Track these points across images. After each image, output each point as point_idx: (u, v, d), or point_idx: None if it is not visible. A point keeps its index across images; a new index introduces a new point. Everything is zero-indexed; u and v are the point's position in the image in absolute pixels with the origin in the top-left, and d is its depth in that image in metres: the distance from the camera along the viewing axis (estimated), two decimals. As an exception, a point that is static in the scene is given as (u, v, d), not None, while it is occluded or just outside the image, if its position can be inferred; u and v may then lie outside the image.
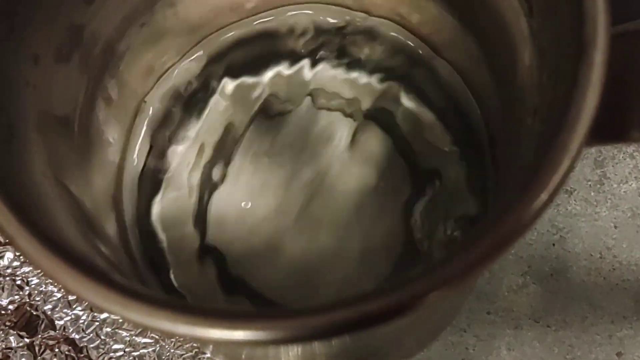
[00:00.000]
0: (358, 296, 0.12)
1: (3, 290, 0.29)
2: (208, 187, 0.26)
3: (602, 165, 0.31)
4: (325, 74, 0.27)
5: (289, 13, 0.26)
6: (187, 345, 0.29)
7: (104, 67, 0.21)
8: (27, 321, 0.29)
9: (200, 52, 0.25)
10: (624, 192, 0.31)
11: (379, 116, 0.26)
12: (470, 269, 0.12)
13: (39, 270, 0.14)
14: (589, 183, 0.31)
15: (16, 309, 0.29)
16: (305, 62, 0.27)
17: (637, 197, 0.31)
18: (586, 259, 0.30)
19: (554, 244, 0.30)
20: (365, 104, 0.27)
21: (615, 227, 0.30)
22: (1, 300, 0.29)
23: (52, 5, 0.17)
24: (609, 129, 0.13)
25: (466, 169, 0.24)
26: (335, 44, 0.27)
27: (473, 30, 0.21)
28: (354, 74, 0.27)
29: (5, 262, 0.29)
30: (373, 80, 0.27)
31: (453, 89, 0.25)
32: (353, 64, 0.27)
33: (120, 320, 0.29)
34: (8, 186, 0.13)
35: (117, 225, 0.23)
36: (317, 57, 0.27)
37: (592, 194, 0.31)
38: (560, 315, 0.29)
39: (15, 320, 0.28)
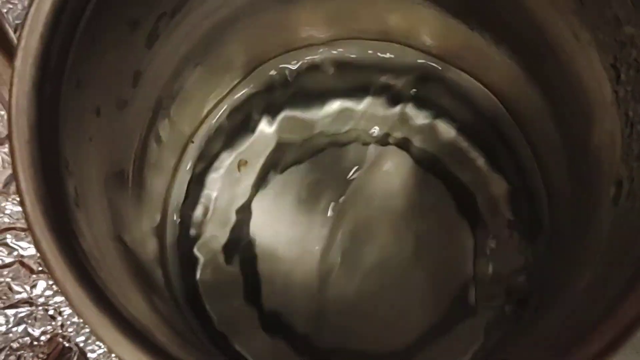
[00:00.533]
0: None
1: (36, 320, 0.28)
2: (244, 217, 0.26)
3: None
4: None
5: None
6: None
7: (158, 109, 0.20)
8: (60, 353, 0.28)
9: (249, 87, 0.25)
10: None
11: (426, 156, 0.26)
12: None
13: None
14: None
15: (48, 340, 0.28)
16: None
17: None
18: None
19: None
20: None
21: None
22: (34, 331, 0.28)
23: (115, 55, 0.16)
24: None
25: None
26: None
27: (543, 88, 0.20)
28: (418, 115, 0.26)
29: (38, 291, 0.29)
30: (441, 126, 0.26)
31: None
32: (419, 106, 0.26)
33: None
34: (76, 255, 0.13)
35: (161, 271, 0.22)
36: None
37: None
38: None
39: (47, 353, 0.28)
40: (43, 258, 0.12)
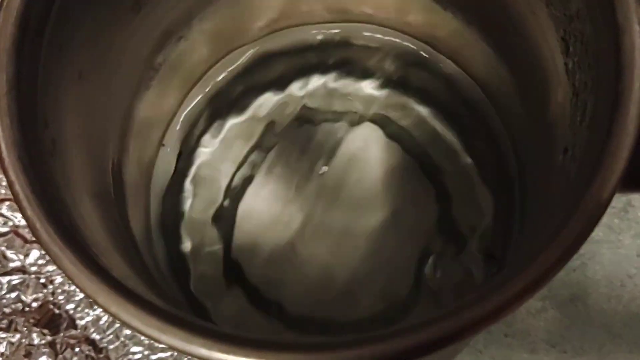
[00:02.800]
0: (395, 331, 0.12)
1: (28, 287, 0.29)
2: (234, 191, 0.27)
3: (627, 193, 0.31)
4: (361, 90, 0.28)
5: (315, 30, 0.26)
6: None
7: (141, 80, 0.21)
8: (50, 319, 0.29)
9: (232, 65, 0.26)
10: (649, 221, 0.31)
11: (403, 136, 0.27)
12: (501, 311, 0.12)
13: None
14: (614, 210, 0.31)
15: (40, 306, 0.29)
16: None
17: (661, 227, 0.31)
18: (606, 286, 0.30)
19: (574, 270, 0.30)
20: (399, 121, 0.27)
21: (638, 255, 0.30)
22: (26, 298, 0.29)
23: (99, 20, 0.17)
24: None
25: (493, 199, 0.25)
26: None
27: (507, 61, 0.21)
28: (382, 91, 0.28)
29: (31, 259, 0.30)
30: (404, 100, 0.27)
31: (485, 116, 0.25)
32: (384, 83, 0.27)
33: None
34: (52, 204, 0.14)
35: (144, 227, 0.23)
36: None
37: (616, 221, 0.31)
38: (577, 342, 0.29)
39: (38, 318, 0.29)
40: (16, 199, 0.13)
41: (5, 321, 0.29)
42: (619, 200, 0.31)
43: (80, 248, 0.13)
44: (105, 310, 0.13)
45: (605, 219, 0.30)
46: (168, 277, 0.25)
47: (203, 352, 0.12)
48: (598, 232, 0.31)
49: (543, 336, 0.29)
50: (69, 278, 0.13)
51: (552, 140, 0.17)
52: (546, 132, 0.18)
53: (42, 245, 0.13)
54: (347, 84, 0.28)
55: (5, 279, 0.29)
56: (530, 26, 0.18)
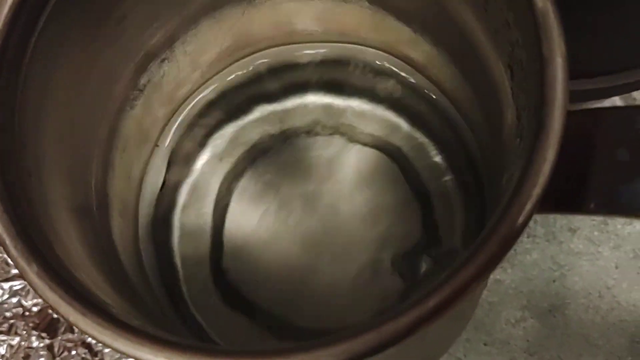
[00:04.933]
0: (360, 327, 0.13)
1: (28, 293, 0.31)
2: (222, 201, 0.28)
3: (607, 206, 0.32)
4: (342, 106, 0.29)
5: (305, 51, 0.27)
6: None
7: (125, 102, 0.22)
8: (49, 323, 0.31)
9: (216, 85, 0.27)
10: (628, 233, 0.31)
11: (387, 146, 0.28)
12: (426, 319, 0.13)
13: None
14: (594, 222, 0.32)
15: (39, 311, 0.31)
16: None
17: (640, 239, 0.31)
18: (585, 297, 0.31)
19: (554, 281, 0.31)
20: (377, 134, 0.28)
21: (617, 267, 0.31)
22: (26, 302, 0.31)
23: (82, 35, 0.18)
24: (568, 201, 0.14)
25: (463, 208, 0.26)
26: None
27: (471, 82, 0.22)
28: (367, 106, 0.29)
29: (32, 266, 0.31)
30: (386, 114, 0.28)
31: (462, 134, 0.26)
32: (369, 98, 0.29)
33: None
34: (23, 220, 0.15)
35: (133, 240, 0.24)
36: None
37: (596, 233, 0.31)
38: (555, 351, 0.30)
39: (37, 322, 0.30)
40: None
41: (6, 325, 0.30)
42: (599, 213, 0.32)
43: (49, 265, 0.14)
44: (65, 320, 0.14)
45: (585, 232, 0.31)
46: (156, 287, 0.26)
47: (149, 357, 0.13)
48: (578, 245, 0.31)
49: (522, 345, 0.30)
50: (34, 290, 0.14)
51: (503, 164, 0.18)
52: (500, 156, 0.19)
53: (10, 258, 0.14)
54: (333, 101, 0.29)
55: (7, 285, 0.31)
56: (485, 52, 0.19)
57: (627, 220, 0.31)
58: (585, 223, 0.31)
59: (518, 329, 0.30)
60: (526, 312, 0.31)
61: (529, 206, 0.13)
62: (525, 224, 0.13)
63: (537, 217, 0.32)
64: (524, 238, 0.32)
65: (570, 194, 0.14)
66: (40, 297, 0.14)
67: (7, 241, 0.14)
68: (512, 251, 0.31)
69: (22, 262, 0.14)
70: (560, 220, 0.32)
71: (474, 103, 0.23)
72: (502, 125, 0.19)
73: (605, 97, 0.30)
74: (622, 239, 0.31)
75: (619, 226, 0.31)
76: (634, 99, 0.33)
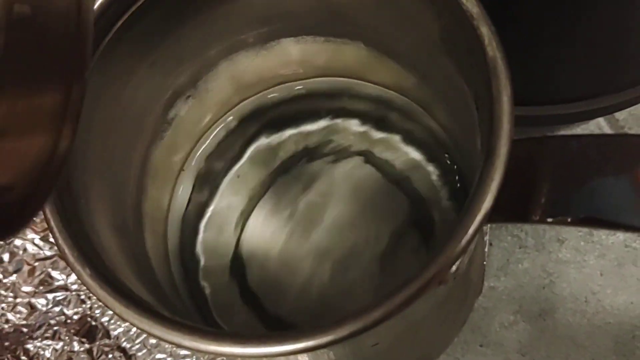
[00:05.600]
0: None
1: (70, 303, 0.35)
2: (242, 221, 0.32)
3: (592, 218, 0.34)
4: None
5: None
6: (220, 358, 0.34)
7: (156, 131, 0.26)
8: (88, 330, 0.34)
9: (233, 115, 0.31)
10: (612, 242, 0.34)
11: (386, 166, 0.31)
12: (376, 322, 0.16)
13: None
14: (580, 233, 0.34)
15: (79, 319, 0.34)
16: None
17: (623, 248, 0.34)
18: (572, 302, 0.34)
19: (544, 287, 0.34)
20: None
21: (601, 274, 0.34)
22: (68, 311, 0.35)
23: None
24: (516, 212, 0.18)
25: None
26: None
27: (451, 111, 0.25)
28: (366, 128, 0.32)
29: (72, 279, 0.35)
30: (388, 136, 0.32)
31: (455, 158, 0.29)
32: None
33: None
34: (78, 237, 0.18)
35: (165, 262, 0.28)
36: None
37: (582, 243, 0.34)
38: (545, 352, 0.33)
39: (78, 329, 0.34)
40: (51, 232, 0.18)
41: (50, 331, 0.34)
42: (584, 225, 0.34)
43: (98, 269, 0.18)
44: (120, 316, 0.17)
45: (572, 242, 0.34)
46: (186, 300, 0.30)
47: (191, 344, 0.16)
48: (566, 254, 0.34)
49: (515, 346, 0.33)
50: (88, 288, 0.17)
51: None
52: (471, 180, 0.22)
53: (69, 266, 0.18)
54: (337, 125, 0.32)
55: (51, 296, 0.35)
56: (459, 86, 0.23)
57: (611, 231, 0.34)
58: (572, 234, 0.34)
59: (511, 332, 0.33)
60: (518, 316, 0.33)
61: (479, 217, 0.16)
62: (476, 232, 0.16)
63: (528, 229, 0.35)
64: (516, 249, 0.35)
65: (518, 207, 0.17)
66: (93, 294, 0.17)
67: (66, 250, 0.18)
68: (505, 260, 0.34)
69: (78, 267, 0.18)
70: (549, 232, 0.35)
71: (456, 131, 0.26)
72: (474, 150, 0.22)
73: (589, 118, 0.33)
74: (607, 248, 0.34)
75: (603, 237, 0.34)
76: (617, 119, 0.37)
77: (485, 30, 0.18)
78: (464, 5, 0.18)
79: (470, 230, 0.16)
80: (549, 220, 0.17)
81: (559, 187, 0.17)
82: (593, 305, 0.33)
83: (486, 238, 0.34)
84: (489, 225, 0.34)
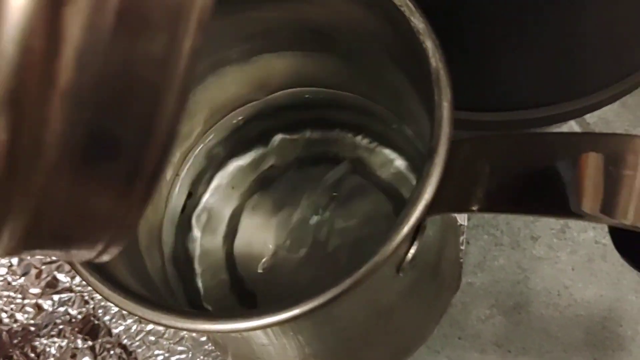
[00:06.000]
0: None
1: (74, 303, 0.37)
2: (233, 222, 0.34)
3: (564, 217, 0.36)
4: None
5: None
6: (215, 354, 0.36)
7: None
8: (91, 328, 0.37)
9: (219, 126, 0.33)
10: (582, 239, 0.36)
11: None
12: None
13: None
14: (553, 231, 0.36)
15: (83, 318, 0.37)
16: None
17: (593, 244, 0.36)
18: (546, 295, 0.35)
19: (518, 282, 0.36)
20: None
21: (573, 269, 0.36)
22: (72, 311, 0.37)
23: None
24: (458, 203, 0.20)
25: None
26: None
27: (409, 122, 0.28)
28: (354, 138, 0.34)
29: (77, 281, 0.37)
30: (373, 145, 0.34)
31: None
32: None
33: (162, 332, 0.36)
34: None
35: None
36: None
37: (555, 240, 0.36)
38: (520, 343, 0.35)
39: (81, 327, 0.36)
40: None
41: (56, 329, 0.36)
42: (557, 223, 0.37)
43: (107, 275, 0.20)
44: (122, 309, 0.20)
45: (545, 239, 0.36)
46: (181, 300, 0.32)
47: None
48: (539, 251, 0.36)
49: (491, 338, 0.35)
50: (98, 293, 0.20)
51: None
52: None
53: (78, 273, 0.20)
54: (324, 134, 0.35)
55: (56, 297, 0.37)
56: (414, 95, 0.25)
57: (582, 228, 0.36)
58: (546, 232, 0.36)
59: (488, 325, 0.35)
60: (494, 310, 0.35)
61: (420, 208, 0.18)
62: (418, 223, 0.18)
63: (504, 228, 0.37)
64: (492, 247, 0.37)
65: (461, 199, 0.19)
66: (103, 297, 0.20)
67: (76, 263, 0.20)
68: (481, 257, 0.36)
69: (86, 274, 0.20)
70: (524, 230, 0.37)
71: (421, 135, 0.28)
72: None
73: (561, 121, 0.35)
74: (578, 244, 0.36)
75: (575, 234, 0.36)
76: (588, 123, 0.39)
77: (430, 44, 0.20)
78: (412, 22, 0.21)
79: (412, 220, 0.18)
80: (485, 210, 0.19)
81: (496, 180, 0.19)
82: (565, 299, 0.35)
83: (463, 237, 0.36)
84: (465, 225, 0.37)
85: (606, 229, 0.36)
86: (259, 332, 0.22)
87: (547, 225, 0.37)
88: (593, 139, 0.19)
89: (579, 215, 0.18)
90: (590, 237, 0.36)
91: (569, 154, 0.18)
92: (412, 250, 0.22)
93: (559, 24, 0.30)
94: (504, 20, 0.30)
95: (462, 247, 0.36)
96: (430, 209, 0.19)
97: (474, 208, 0.19)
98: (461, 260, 0.36)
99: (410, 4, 0.21)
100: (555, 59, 0.31)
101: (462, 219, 0.36)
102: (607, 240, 0.36)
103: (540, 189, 0.18)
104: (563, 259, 0.36)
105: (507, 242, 0.36)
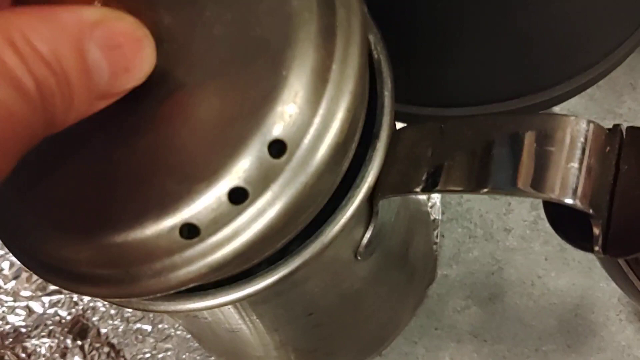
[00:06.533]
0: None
1: (64, 305, 0.38)
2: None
3: (537, 208, 0.37)
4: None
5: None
6: (200, 351, 0.37)
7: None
8: (80, 328, 0.38)
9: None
10: (555, 230, 0.37)
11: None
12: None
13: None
14: (526, 222, 0.37)
15: (72, 319, 0.38)
16: None
17: (565, 235, 0.37)
18: (520, 286, 0.36)
19: (493, 273, 0.37)
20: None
21: (546, 259, 0.37)
22: (62, 312, 0.38)
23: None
24: (402, 185, 0.21)
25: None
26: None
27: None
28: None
29: (66, 283, 0.39)
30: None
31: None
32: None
33: (148, 330, 0.38)
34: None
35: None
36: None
37: (528, 231, 0.37)
38: (495, 332, 0.36)
39: (71, 327, 0.38)
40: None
41: (46, 330, 0.38)
42: (529, 215, 0.37)
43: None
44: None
45: (519, 231, 0.37)
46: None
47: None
48: (513, 242, 0.37)
49: (467, 328, 0.36)
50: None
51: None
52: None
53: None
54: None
55: (47, 299, 0.38)
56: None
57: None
58: (519, 224, 0.37)
59: (463, 315, 0.36)
60: (470, 301, 0.36)
61: (364, 191, 0.20)
62: (360, 204, 0.20)
63: (477, 221, 0.38)
64: (466, 239, 0.38)
65: (403, 182, 0.21)
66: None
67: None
68: (456, 250, 0.37)
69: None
70: (497, 222, 0.38)
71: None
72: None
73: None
74: (550, 235, 0.37)
75: (547, 224, 0.37)
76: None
77: (372, 37, 0.21)
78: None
79: (356, 202, 0.20)
80: (428, 191, 0.20)
81: (437, 162, 0.20)
82: (539, 288, 0.36)
83: (438, 231, 0.37)
84: (439, 218, 0.38)
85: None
86: (220, 316, 0.23)
87: (519, 217, 0.37)
88: (526, 119, 0.20)
89: (513, 191, 0.19)
90: (562, 227, 0.37)
91: (504, 134, 0.19)
92: (367, 235, 0.23)
93: (517, 17, 0.31)
94: (462, 15, 0.31)
95: (437, 240, 0.37)
96: (375, 192, 0.20)
97: (417, 189, 0.20)
98: (436, 253, 0.37)
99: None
100: (516, 52, 0.32)
101: (436, 213, 0.38)
102: (579, 230, 0.37)
103: (479, 168, 0.19)
104: (536, 249, 0.37)
105: (481, 234, 0.37)
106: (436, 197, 0.37)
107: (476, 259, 0.37)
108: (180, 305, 0.19)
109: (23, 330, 0.38)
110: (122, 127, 0.17)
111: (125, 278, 0.17)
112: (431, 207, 0.37)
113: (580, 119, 0.18)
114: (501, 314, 0.36)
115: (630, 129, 0.19)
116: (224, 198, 0.16)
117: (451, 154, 0.20)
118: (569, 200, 0.18)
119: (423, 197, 0.36)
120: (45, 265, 0.18)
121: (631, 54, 0.35)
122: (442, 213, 0.38)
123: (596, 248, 0.18)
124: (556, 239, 0.37)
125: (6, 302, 0.38)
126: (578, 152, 0.18)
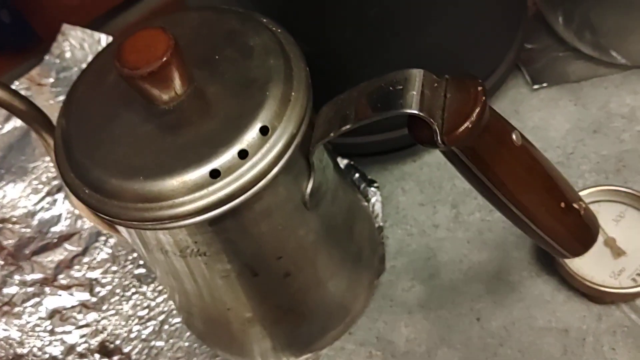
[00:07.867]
0: None
1: (91, 335, 0.47)
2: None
3: (456, 206, 0.48)
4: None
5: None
6: (205, 355, 0.46)
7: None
8: (106, 350, 0.46)
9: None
10: (472, 220, 0.47)
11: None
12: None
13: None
14: (449, 218, 0.48)
15: (99, 344, 0.47)
16: None
17: (480, 222, 0.47)
18: (451, 264, 0.46)
19: (429, 259, 0.47)
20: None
21: (468, 242, 0.47)
22: (91, 340, 0.47)
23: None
24: (324, 135, 0.32)
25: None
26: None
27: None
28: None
29: (90, 319, 0.48)
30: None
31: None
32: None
33: (162, 346, 0.46)
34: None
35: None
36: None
37: (451, 224, 0.48)
38: (437, 302, 0.45)
39: (99, 350, 0.46)
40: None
41: (77, 355, 0.46)
42: (451, 212, 0.48)
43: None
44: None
45: (444, 225, 0.48)
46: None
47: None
48: (441, 234, 0.47)
49: (415, 302, 0.45)
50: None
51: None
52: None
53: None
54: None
55: (77, 332, 0.47)
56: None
57: (470, 212, 0.48)
58: (443, 220, 0.48)
59: (411, 293, 0.46)
60: (414, 281, 0.46)
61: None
62: (306, 159, 0.31)
63: (412, 222, 0.48)
64: (405, 237, 0.48)
65: (323, 133, 0.32)
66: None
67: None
68: (399, 246, 0.47)
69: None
70: (427, 222, 0.48)
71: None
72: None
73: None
74: (469, 224, 0.47)
75: (466, 217, 0.48)
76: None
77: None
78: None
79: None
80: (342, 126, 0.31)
81: (343, 112, 0.31)
82: (466, 264, 0.46)
83: (382, 233, 0.47)
84: (383, 225, 0.48)
85: (490, 210, 0.47)
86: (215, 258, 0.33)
87: (443, 215, 0.48)
88: (387, 76, 0.31)
89: (394, 112, 0.29)
90: (478, 217, 0.48)
91: (377, 86, 0.31)
92: (309, 186, 0.34)
93: (407, 35, 0.42)
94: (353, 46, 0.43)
95: (383, 241, 0.47)
96: (307, 149, 0.31)
97: (332, 134, 0.31)
98: (385, 250, 0.47)
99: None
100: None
101: (380, 220, 0.48)
102: (490, 217, 0.47)
103: (371, 108, 0.30)
104: (460, 236, 0.47)
105: (416, 232, 0.48)
106: (379, 209, 0.48)
107: (415, 250, 0.47)
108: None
109: (60, 357, 0.46)
110: (170, 120, 0.30)
111: (173, 205, 0.28)
112: (376, 217, 0.48)
113: (415, 69, 0.30)
114: (440, 287, 0.45)
115: (451, 76, 0.31)
116: (235, 155, 0.28)
117: (350, 106, 0.31)
118: (414, 111, 0.29)
119: (360, 196, 0.47)
120: (111, 197, 0.29)
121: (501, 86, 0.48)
122: (385, 221, 0.48)
123: (437, 140, 0.29)
124: (474, 226, 0.47)
125: (44, 337, 0.47)
126: (417, 85, 0.29)
